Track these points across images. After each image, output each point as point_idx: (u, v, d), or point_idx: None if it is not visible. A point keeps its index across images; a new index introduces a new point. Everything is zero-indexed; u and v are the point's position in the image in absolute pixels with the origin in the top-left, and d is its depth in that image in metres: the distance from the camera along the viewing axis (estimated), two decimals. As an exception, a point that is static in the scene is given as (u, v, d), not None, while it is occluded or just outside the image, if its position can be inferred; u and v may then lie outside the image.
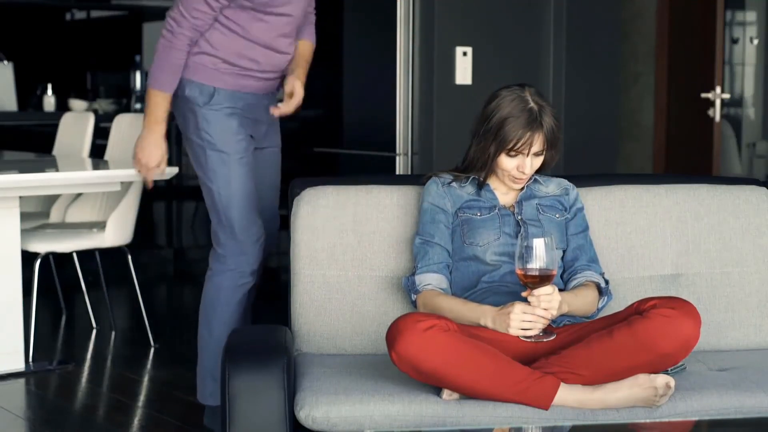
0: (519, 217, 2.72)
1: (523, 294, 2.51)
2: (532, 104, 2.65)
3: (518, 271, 2.47)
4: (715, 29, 5.40)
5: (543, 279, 2.46)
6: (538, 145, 2.66)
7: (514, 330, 2.49)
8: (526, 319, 2.48)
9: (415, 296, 2.69)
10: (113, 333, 4.94)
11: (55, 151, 5.42)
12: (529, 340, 2.51)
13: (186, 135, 3.48)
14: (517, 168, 2.69)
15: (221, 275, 3.40)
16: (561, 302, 2.51)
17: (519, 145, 2.64)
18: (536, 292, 2.47)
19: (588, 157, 5.29)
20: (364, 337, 2.80)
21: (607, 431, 2.37)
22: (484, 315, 2.54)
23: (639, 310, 2.45)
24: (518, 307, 2.49)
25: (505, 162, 2.68)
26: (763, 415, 2.45)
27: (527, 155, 2.66)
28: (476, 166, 2.74)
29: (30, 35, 7.71)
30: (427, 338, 2.36)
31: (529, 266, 2.45)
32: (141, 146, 3.51)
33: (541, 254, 2.45)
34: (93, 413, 3.87)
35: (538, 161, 2.70)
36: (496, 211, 2.72)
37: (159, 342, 4.72)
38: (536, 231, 2.69)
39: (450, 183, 2.77)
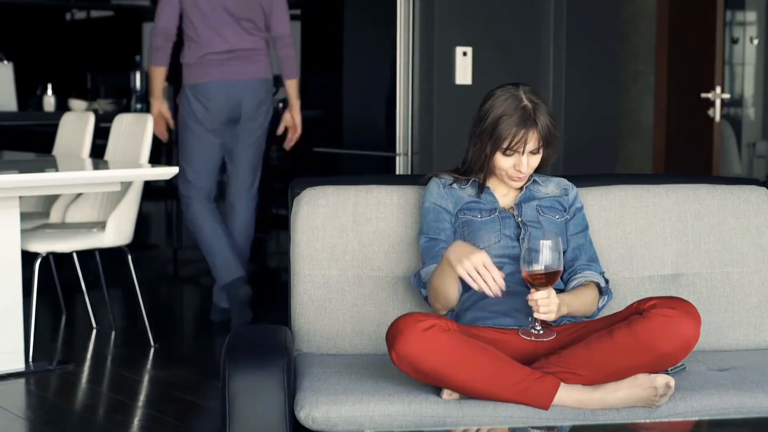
0: (519, 219, 2.71)
1: (528, 297, 2.50)
2: (525, 102, 2.65)
3: (524, 273, 2.46)
4: (715, 29, 5.40)
5: (549, 278, 2.45)
6: (533, 143, 2.65)
7: (461, 270, 2.44)
8: (480, 272, 2.43)
9: (425, 291, 2.67)
10: (113, 333, 4.94)
11: (55, 151, 5.42)
12: (528, 339, 2.51)
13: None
14: (513, 167, 2.68)
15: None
16: (560, 304, 2.50)
17: (513, 143, 2.64)
18: (533, 296, 2.46)
19: (588, 157, 5.29)
20: (364, 337, 2.80)
21: (607, 431, 2.37)
22: (447, 253, 2.49)
23: (639, 310, 2.45)
24: (481, 257, 2.45)
25: (502, 161, 2.68)
26: (763, 415, 2.45)
27: (523, 153, 2.66)
28: (475, 168, 2.74)
29: (30, 35, 7.70)
30: (427, 338, 2.36)
31: (534, 267, 2.44)
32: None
33: (546, 254, 2.44)
34: (93, 413, 3.87)
35: (536, 159, 2.70)
36: (497, 213, 2.72)
37: (159, 342, 4.72)
38: (537, 233, 2.68)
39: (451, 184, 2.77)
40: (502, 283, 2.45)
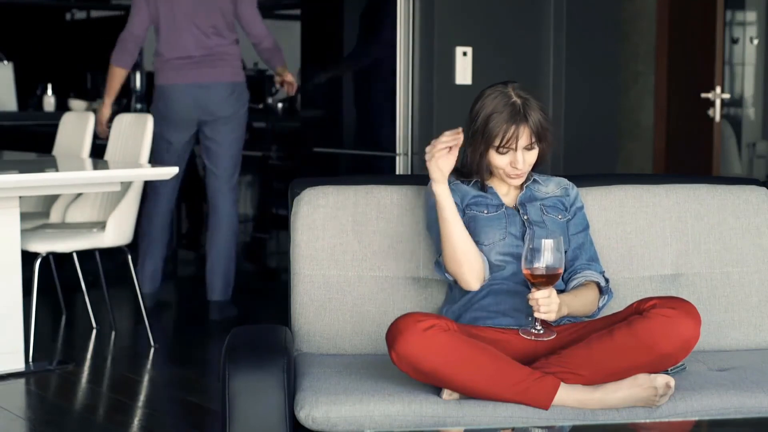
0: (525, 218, 2.70)
1: (528, 296, 2.50)
2: (514, 99, 2.64)
3: (525, 272, 2.46)
4: (715, 29, 5.40)
5: (550, 278, 2.45)
6: (525, 138, 2.65)
7: (428, 167, 2.56)
8: (437, 152, 2.55)
9: (450, 277, 2.66)
10: (113, 333, 4.95)
11: (55, 151, 5.42)
12: (528, 338, 2.51)
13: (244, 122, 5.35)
14: (510, 164, 2.67)
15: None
16: (560, 305, 2.50)
17: (505, 140, 2.63)
18: (534, 295, 2.46)
19: (588, 157, 5.29)
20: (364, 337, 2.80)
21: (607, 431, 2.37)
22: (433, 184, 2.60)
23: (639, 310, 2.45)
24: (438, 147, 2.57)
25: (498, 159, 2.67)
26: (763, 415, 2.45)
27: (516, 150, 2.65)
28: (473, 170, 2.73)
29: (30, 35, 7.71)
30: (427, 338, 2.36)
31: (536, 266, 2.44)
32: None
33: (548, 254, 2.44)
34: (93, 413, 3.87)
35: (532, 155, 2.69)
36: (503, 210, 2.71)
37: (159, 342, 4.72)
38: (540, 232, 2.68)
39: (453, 180, 2.76)
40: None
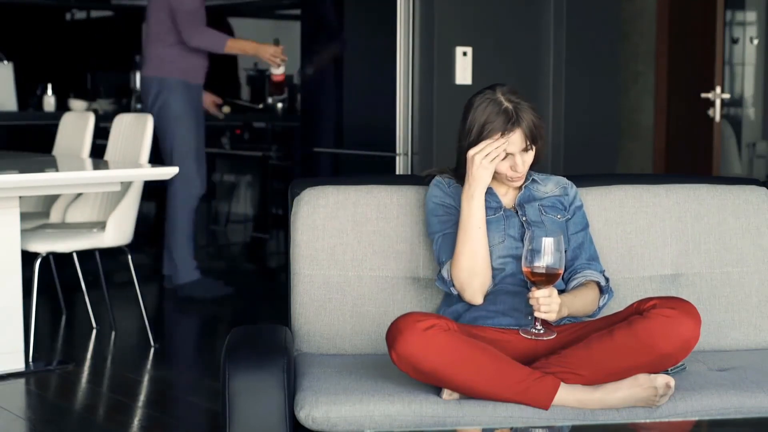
0: (523, 219, 2.70)
1: (528, 295, 2.50)
2: (506, 104, 2.63)
3: (525, 271, 2.46)
4: (715, 29, 5.40)
5: (551, 277, 2.45)
6: (521, 142, 2.64)
7: (478, 164, 2.59)
8: (489, 154, 2.59)
9: (455, 290, 2.65)
10: (113, 333, 4.94)
11: (55, 151, 5.42)
12: (528, 338, 2.51)
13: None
14: (510, 168, 2.68)
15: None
16: (561, 306, 2.50)
17: None
18: (534, 294, 2.46)
19: (588, 157, 5.29)
20: (364, 337, 2.81)
21: (607, 431, 2.37)
22: (465, 194, 2.61)
23: (639, 310, 2.45)
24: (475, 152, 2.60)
25: (498, 166, 2.67)
26: (763, 415, 2.45)
27: (514, 154, 2.65)
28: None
29: (30, 35, 7.71)
30: (427, 338, 2.36)
31: (536, 265, 2.44)
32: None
33: (549, 253, 2.44)
34: (93, 413, 3.87)
35: (530, 156, 2.68)
36: (502, 212, 2.71)
37: (159, 342, 4.72)
38: (540, 232, 2.67)
39: (454, 184, 2.76)
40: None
